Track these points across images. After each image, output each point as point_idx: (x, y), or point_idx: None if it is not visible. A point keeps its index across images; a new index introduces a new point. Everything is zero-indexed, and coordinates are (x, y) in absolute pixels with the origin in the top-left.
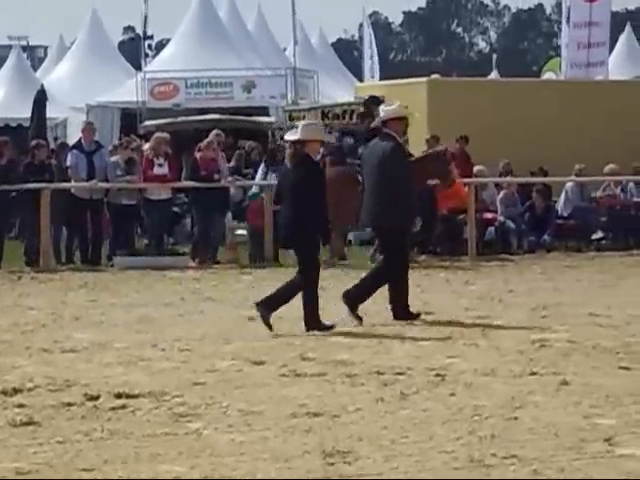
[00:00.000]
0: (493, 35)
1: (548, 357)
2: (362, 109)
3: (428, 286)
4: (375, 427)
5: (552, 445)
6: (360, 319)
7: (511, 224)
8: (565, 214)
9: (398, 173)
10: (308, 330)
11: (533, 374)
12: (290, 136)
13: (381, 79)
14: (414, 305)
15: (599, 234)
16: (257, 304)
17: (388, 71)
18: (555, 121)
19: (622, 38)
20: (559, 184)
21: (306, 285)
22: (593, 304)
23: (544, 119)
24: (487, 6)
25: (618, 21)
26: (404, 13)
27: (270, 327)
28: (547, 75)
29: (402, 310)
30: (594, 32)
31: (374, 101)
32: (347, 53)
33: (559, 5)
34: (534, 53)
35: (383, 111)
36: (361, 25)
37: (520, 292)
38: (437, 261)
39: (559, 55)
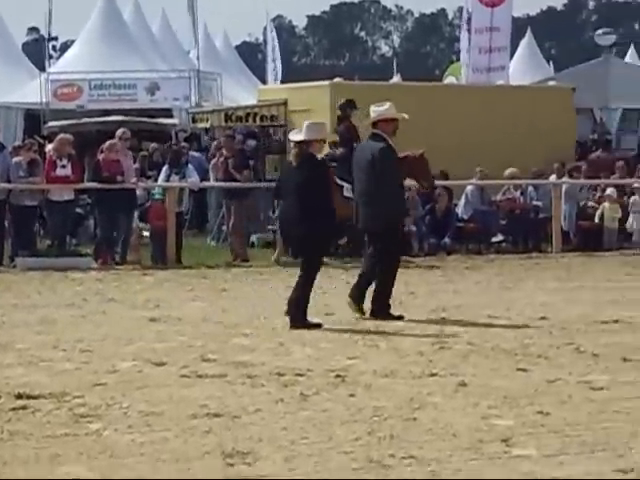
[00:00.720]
0: (396, 39)
1: (447, 358)
2: (338, 112)
3: (329, 288)
4: (275, 428)
5: (450, 446)
6: (401, 317)
7: (412, 227)
8: (465, 217)
9: (389, 173)
10: (293, 327)
11: (432, 375)
12: (295, 136)
13: (284, 82)
14: (315, 307)
15: (499, 237)
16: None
17: (292, 74)
18: (456, 125)
19: (523, 43)
20: (460, 187)
21: (303, 282)
22: (492, 306)
23: (445, 123)
24: (390, 11)
25: (519, 26)
26: (308, 17)
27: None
28: (448, 80)
29: (382, 308)
30: (495, 37)
31: (350, 105)
32: (252, 56)
33: (461, 10)
34: (436, 57)
35: (374, 112)
36: (265, 28)
37: (420, 294)
38: (339, 263)
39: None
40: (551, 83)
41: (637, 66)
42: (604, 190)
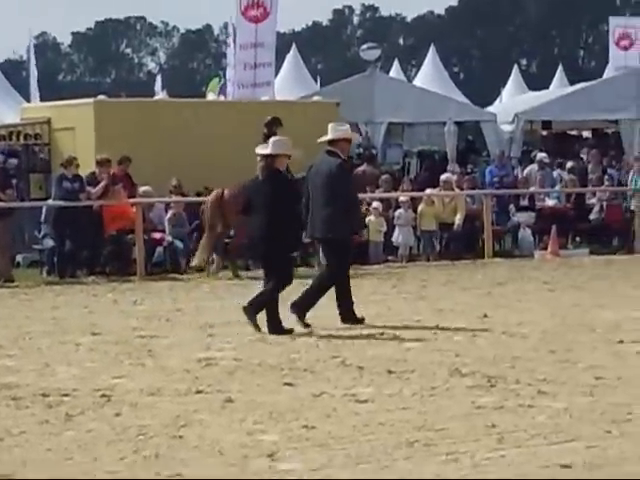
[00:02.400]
0: (162, 56)
1: (214, 375)
2: (265, 130)
3: (96, 307)
4: (39, 450)
5: (216, 463)
6: (309, 326)
7: (179, 244)
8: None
9: (346, 188)
10: (273, 333)
11: (199, 392)
12: (261, 150)
13: (50, 100)
14: (79, 326)
15: None
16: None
17: (57, 92)
18: (221, 140)
19: (288, 58)
20: None
21: (270, 292)
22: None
23: (210, 138)
24: (156, 27)
25: (284, 42)
26: (73, 34)
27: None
28: (210, 96)
29: (348, 314)
30: (260, 53)
31: (275, 122)
32: (15, 74)
33: (227, 25)
34: (203, 74)
35: (334, 130)
36: (28, 46)
37: (188, 311)
38: (106, 281)
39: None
40: (316, 98)
41: (401, 81)
42: (369, 204)
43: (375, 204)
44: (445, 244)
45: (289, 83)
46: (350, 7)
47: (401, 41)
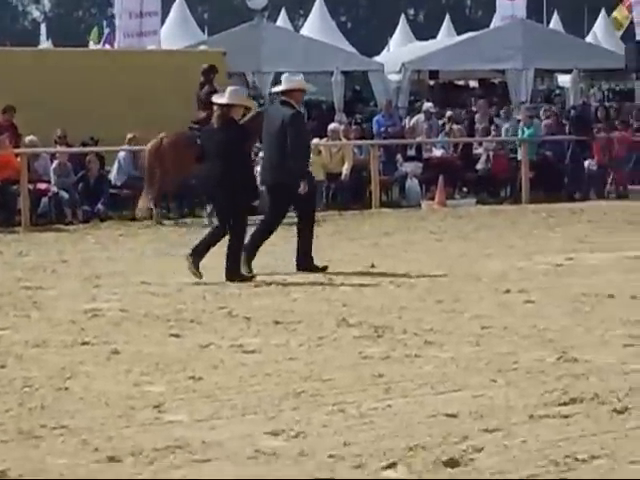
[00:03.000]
0: (47, 4)
1: (100, 326)
2: (201, 78)
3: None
4: None
5: (102, 414)
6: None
7: (65, 194)
8: (119, 183)
9: (298, 138)
10: (229, 280)
11: (84, 344)
12: (218, 99)
13: None
14: None
15: None
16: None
17: None
18: (106, 90)
19: (175, 7)
20: (112, 153)
21: (233, 239)
22: (146, 273)
23: (95, 88)
24: None
25: None
26: None
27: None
28: (91, 45)
29: (305, 261)
30: (146, 1)
31: (212, 70)
32: None
33: None
34: (88, 22)
35: (288, 81)
36: None
37: (74, 262)
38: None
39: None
40: (202, 47)
41: (288, 30)
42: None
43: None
44: (332, 194)
45: (175, 32)
46: None
47: None
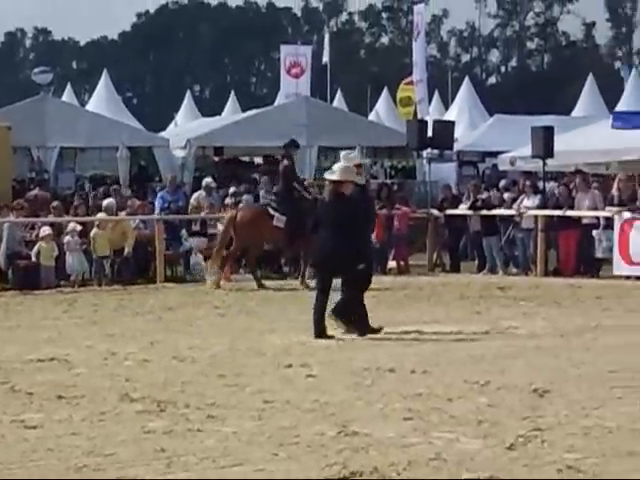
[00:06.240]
0: None
1: None
2: (283, 151)
3: None
4: None
5: None
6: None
7: None
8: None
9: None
10: (362, 335)
11: None
12: (330, 176)
13: None
14: None
15: None
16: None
17: None
18: None
19: None
20: None
21: (349, 298)
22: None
23: None
24: None
25: None
26: None
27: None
28: None
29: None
30: None
31: (292, 144)
32: None
33: None
34: None
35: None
36: None
37: None
38: None
39: None
40: None
41: (73, 105)
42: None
43: (46, 229)
44: (117, 269)
45: None
46: (22, 30)
47: (74, 65)
